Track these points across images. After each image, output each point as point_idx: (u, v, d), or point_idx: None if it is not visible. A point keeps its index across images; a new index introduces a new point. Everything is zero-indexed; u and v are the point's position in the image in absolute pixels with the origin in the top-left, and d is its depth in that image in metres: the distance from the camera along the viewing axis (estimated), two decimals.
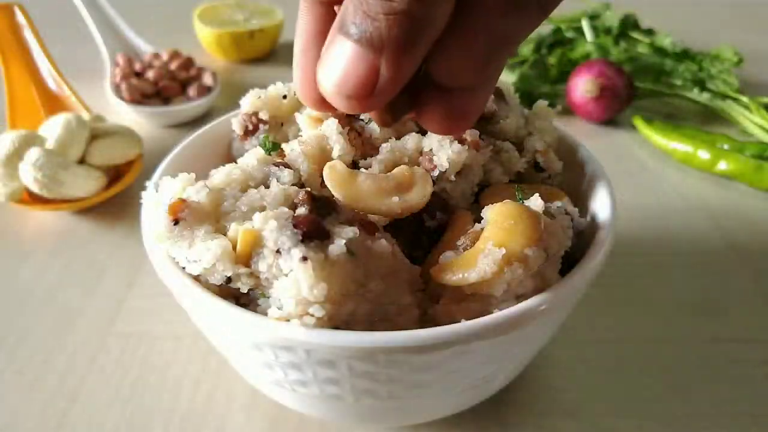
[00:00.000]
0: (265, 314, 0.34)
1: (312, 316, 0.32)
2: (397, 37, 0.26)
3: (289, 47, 1.18)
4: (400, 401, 0.39)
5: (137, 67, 0.94)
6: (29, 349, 0.54)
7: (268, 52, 1.12)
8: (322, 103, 0.31)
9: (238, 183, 0.39)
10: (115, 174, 0.73)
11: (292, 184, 0.39)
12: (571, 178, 0.48)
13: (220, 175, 0.39)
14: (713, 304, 0.59)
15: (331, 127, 0.41)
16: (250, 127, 0.48)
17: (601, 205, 0.43)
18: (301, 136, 0.43)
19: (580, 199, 0.46)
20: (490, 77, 0.31)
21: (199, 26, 1.07)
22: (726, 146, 0.79)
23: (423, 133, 0.43)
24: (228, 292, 0.36)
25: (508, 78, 0.94)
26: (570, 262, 0.37)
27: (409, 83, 0.29)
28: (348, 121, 0.42)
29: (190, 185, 0.37)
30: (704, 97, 0.90)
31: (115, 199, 0.72)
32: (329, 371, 0.35)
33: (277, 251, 0.33)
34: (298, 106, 0.48)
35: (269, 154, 0.43)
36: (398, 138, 0.43)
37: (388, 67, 0.27)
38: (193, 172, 0.39)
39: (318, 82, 0.29)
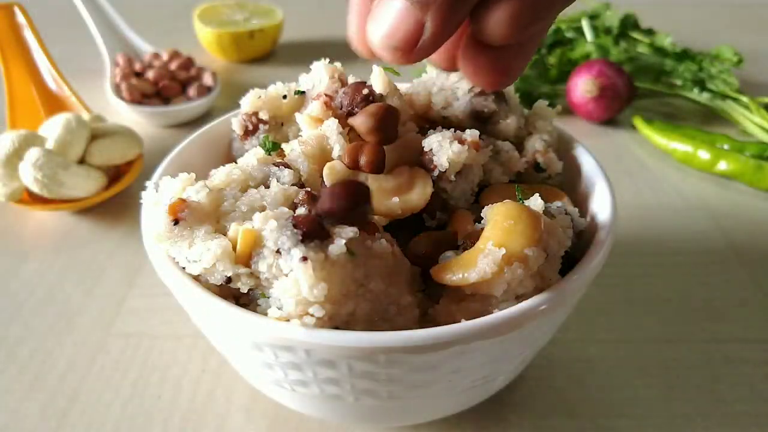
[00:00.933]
0: (265, 314, 0.34)
1: (312, 316, 0.32)
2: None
3: (289, 47, 1.19)
4: (400, 401, 0.39)
5: (137, 67, 0.94)
6: (29, 349, 0.54)
7: (268, 52, 1.12)
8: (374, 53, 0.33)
9: (238, 183, 0.39)
10: (115, 174, 0.73)
11: (292, 184, 0.39)
12: (571, 178, 0.48)
13: (220, 175, 0.39)
14: (713, 304, 0.59)
15: (331, 127, 0.41)
16: (250, 127, 0.48)
17: (601, 205, 0.43)
18: (301, 136, 0.43)
19: (580, 199, 0.46)
20: (533, 38, 0.33)
21: (199, 26, 1.07)
22: (726, 146, 0.79)
23: (423, 133, 0.43)
24: (228, 292, 0.36)
25: None
26: (570, 262, 0.37)
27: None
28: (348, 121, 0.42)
29: (190, 185, 0.37)
30: (704, 97, 0.90)
31: (115, 199, 0.72)
32: (329, 371, 0.35)
33: (277, 251, 0.33)
34: (298, 106, 0.48)
35: (269, 154, 0.43)
36: (398, 138, 0.43)
37: (433, 24, 0.29)
38: (193, 172, 0.39)
39: (367, 33, 0.31)
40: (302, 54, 1.14)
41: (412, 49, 0.30)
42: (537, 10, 0.30)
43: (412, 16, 0.29)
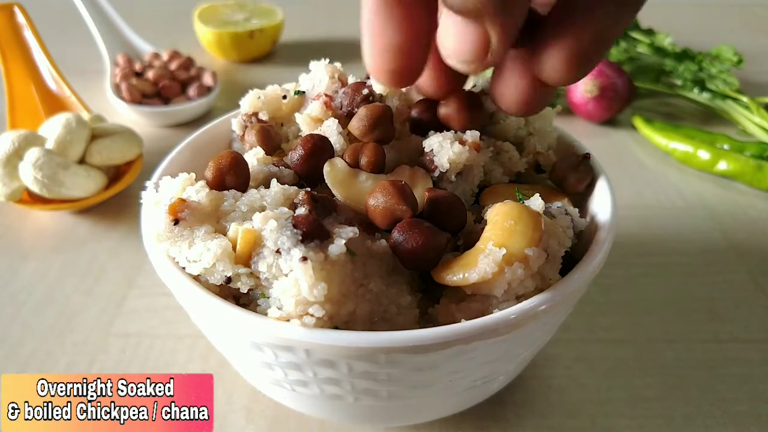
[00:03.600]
0: (265, 314, 0.34)
1: (312, 316, 0.32)
2: (493, 5, 0.27)
3: (289, 47, 1.19)
4: (400, 401, 0.39)
5: (137, 67, 0.94)
6: (29, 349, 0.54)
7: (268, 52, 1.12)
8: (393, 76, 0.32)
9: None
10: (115, 174, 0.73)
11: (292, 184, 0.39)
12: None
13: None
14: (713, 304, 0.59)
15: (331, 127, 0.41)
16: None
17: (601, 205, 0.42)
18: (301, 136, 0.43)
19: (580, 199, 0.46)
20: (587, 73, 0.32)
21: (199, 26, 1.07)
22: (726, 146, 0.79)
23: (423, 133, 0.43)
24: (228, 292, 0.36)
25: None
26: (570, 262, 0.37)
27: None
28: (348, 121, 0.42)
29: (190, 185, 0.37)
30: (704, 97, 0.90)
31: (115, 199, 0.72)
32: (329, 371, 0.35)
33: (277, 251, 0.33)
34: (297, 107, 0.48)
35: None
36: (398, 138, 0.43)
37: (496, 32, 0.28)
38: (193, 172, 0.39)
39: (440, 49, 0.31)
40: (302, 54, 1.14)
41: (484, 59, 0.30)
42: (601, 41, 0.29)
43: (474, 29, 0.29)
